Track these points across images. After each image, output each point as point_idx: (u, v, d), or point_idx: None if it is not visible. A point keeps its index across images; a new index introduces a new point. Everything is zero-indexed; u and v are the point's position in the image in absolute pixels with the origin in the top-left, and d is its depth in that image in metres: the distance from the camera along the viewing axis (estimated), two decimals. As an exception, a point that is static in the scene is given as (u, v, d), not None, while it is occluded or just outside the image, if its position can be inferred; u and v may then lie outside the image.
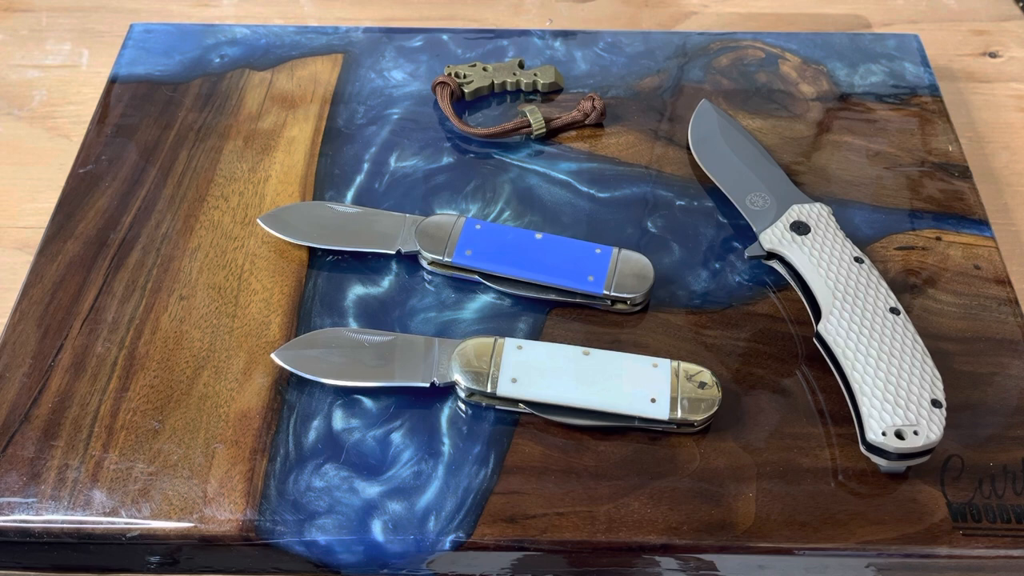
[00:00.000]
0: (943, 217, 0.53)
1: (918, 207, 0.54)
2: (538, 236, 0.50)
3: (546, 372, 0.44)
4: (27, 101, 0.66)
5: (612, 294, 0.48)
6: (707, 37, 0.64)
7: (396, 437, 0.44)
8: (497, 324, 0.48)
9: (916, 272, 0.51)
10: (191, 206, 0.53)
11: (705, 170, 0.55)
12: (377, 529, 0.41)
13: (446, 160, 0.56)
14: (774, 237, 0.49)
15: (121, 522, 0.42)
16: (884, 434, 0.41)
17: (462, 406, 0.45)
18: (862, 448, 0.43)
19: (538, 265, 0.49)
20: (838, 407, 0.45)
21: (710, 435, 0.44)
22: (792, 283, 0.49)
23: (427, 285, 0.50)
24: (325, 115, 0.58)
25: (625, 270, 0.48)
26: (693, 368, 0.44)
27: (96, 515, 0.42)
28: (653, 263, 0.49)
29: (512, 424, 0.45)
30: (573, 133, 0.58)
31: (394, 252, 0.50)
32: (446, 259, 0.49)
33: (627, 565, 0.43)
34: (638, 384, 0.44)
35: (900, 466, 0.42)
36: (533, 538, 0.41)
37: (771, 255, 0.49)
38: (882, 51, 0.63)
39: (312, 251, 0.51)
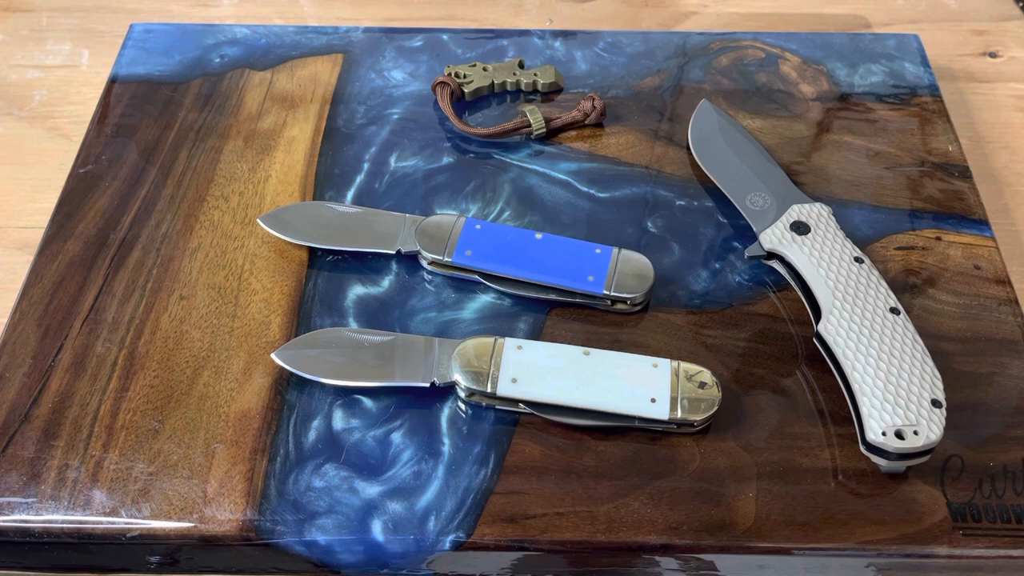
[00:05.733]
0: (943, 217, 0.53)
1: (918, 207, 0.54)
2: (538, 236, 0.50)
3: (546, 372, 0.44)
4: (27, 101, 0.66)
5: (612, 294, 0.48)
6: (707, 37, 0.64)
7: (396, 437, 0.44)
8: (497, 324, 0.48)
9: (916, 272, 0.51)
10: (191, 206, 0.53)
11: (705, 170, 0.55)
12: (377, 529, 0.41)
13: (446, 160, 0.56)
14: (774, 237, 0.49)
15: (121, 522, 0.42)
16: (884, 434, 0.41)
17: (462, 406, 0.45)
18: (862, 448, 0.43)
19: (538, 265, 0.49)
20: (838, 407, 0.45)
21: (710, 435, 0.44)
22: (792, 283, 0.49)
23: (427, 285, 0.50)
24: (325, 115, 0.58)
25: (625, 270, 0.48)
26: (693, 368, 0.44)
27: (96, 515, 0.42)
28: (653, 263, 0.49)
29: (512, 424, 0.45)
30: (573, 133, 0.58)
31: (394, 252, 0.50)
32: (446, 259, 0.49)
33: (627, 565, 0.43)
34: (638, 384, 0.44)
35: (900, 466, 0.42)
36: (533, 538, 0.41)
37: (771, 255, 0.49)
38: (882, 51, 0.63)
39: (312, 251, 0.51)
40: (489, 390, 0.44)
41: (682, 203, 0.54)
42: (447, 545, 0.41)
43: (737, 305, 0.49)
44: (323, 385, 0.45)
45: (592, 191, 0.55)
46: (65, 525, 0.42)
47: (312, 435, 0.44)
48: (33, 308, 0.49)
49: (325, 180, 0.55)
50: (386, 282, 0.50)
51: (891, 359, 0.43)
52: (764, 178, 0.52)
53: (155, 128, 0.58)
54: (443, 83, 0.58)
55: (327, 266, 0.51)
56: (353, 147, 0.57)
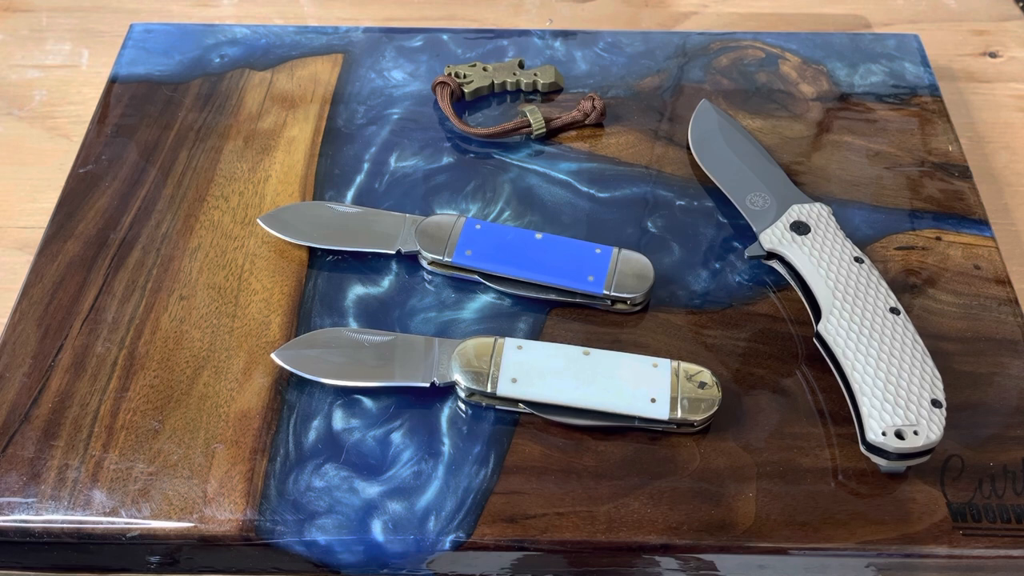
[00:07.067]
0: (943, 217, 0.53)
1: (918, 207, 0.54)
2: (538, 236, 0.50)
3: (546, 372, 0.44)
4: (27, 101, 0.66)
5: (612, 294, 0.48)
6: (707, 37, 0.64)
7: (396, 437, 0.44)
8: (497, 324, 0.48)
9: (916, 272, 0.51)
10: (191, 206, 0.53)
11: (705, 170, 0.55)
12: (377, 529, 0.41)
13: (446, 160, 0.56)
14: (774, 237, 0.49)
15: (121, 522, 0.42)
16: (884, 434, 0.41)
17: (462, 406, 0.45)
18: (862, 448, 0.43)
19: (538, 265, 0.49)
20: (838, 407, 0.45)
21: (710, 435, 0.44)
22: (792, 283, 0.49)
23: (427, 285, 0.50)
24: (325, 115, 0.58)
25: (625, 270, 0.48)
26: (693, 368, 0.44)
27: (96, 515, 0.42)
28: (653, 263, 0.49)
29: (512, 424, 0.45)
30: (573, 133, 0.58)
31: (394, 252, 0.50)
32: (446, 259, 0.49)
33: (627, 565, 0.43)
34: (638, 384, 0.44)
35: (900, 466, 0.42)
36: (533, 538, 0.41)
37: (771, 255, 0.49)
38: (882, 51, 0.63)
39: (312, 251, 0.51)
40: (489, 390, 0.44)
41: (682, 203, 0.54)
42: (447, 545, 0.41)
43: (737, 305, 0.49)
44: (323, 385, 0.45)
45: (592, 191, 0.55)
46: (65, 525, 0.42)
47: (312, 435, 0.44)
48: (33, 308, 0.49)
49: (325, 180, 0.55)
50: (386, 282, 0.50)
51: (891, 359, 0.43)
52: (764, 178, 0.52)
53: (155, 128, 0.58)
54: (443, 83, 0.58)
55: (327, 266, 0.51)
56: (353, 147, 0.57)
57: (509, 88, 0.60)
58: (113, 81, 0.61)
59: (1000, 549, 0.41)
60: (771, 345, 0.48)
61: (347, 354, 0.45)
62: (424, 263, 0.50)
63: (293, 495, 0.42)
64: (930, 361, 0.43)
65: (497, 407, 0.45)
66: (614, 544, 0.41)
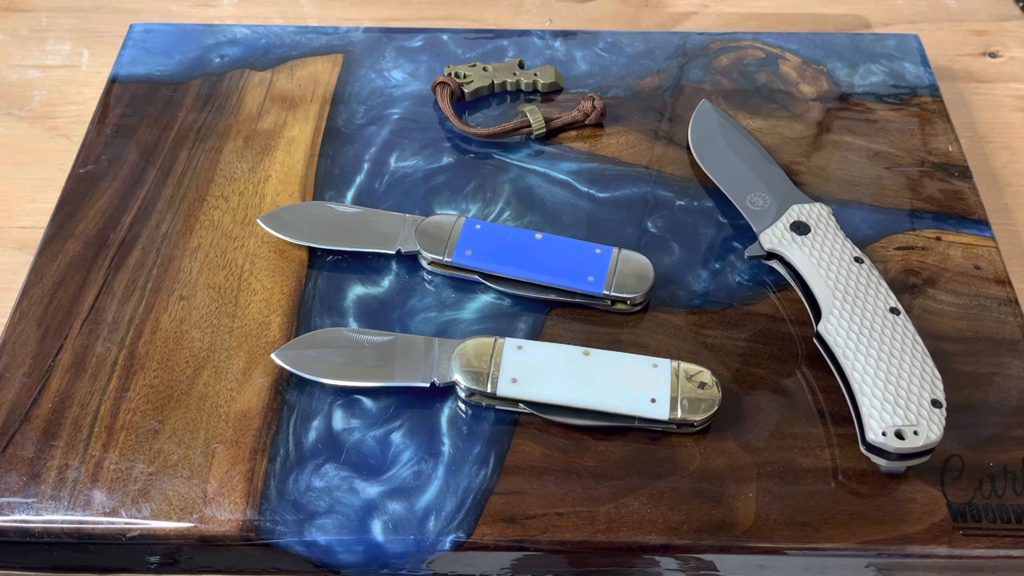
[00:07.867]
0: (943, 217, 0.53)
1: (918, 207, 0.54)
2: (538, 236, 0.50)
3: (546, 372, 0.44)
4: (27, 101, 0.66)
5: (612, 294, 0.48)
6: (707, 37, 0.64)
7: (396, 437, 0.44)
8: (497, 324, 0.48)
9: (916, 272, 0.51)
10: (191, 206, 0.53)
11: (705, 170, 0.55)
12: (377, 529, 0.41)
13: (446, 160, 0.56)
14: (774, 237, 0.49)
15: (121, 522, 0.42)
16: (884, 434, 0.41)
17: (462, 406, 0.45)
18: (862, 448, 0.43)
19: (538, 265, 0.49)
20: (838, 407, 0.45)
21: (710, 435, 0.44)
22: (792, 283, 0.49)
23: (427, 285, 0.50)
24: (325, 115, 0.58)
25: (625, 270, 0.48)
26: (693, 368, 0.44)
27: (96, 515, 0.42)
28: (653, 263, 0.49)
29: (512, 424, 0.45)
30: (573, 133, 0.58)
31: (394, 252, 0.50)
32: (446, 259, 0.49)
33: (627, 565, 0.43)
34: (638, 384, 0.44)
35: (900, 466, 0.42)
36: (533, 538, 0.41)
37: (771, 255, 0.49)
38: (882, 51, 0.63)
39: (312, 251, 0.51)
40: (489, 390, 0.44)
41: (682, 203, 0.54)
42: (447, 545, 0.41)
43: (737, 305, 0.49)
44: (323, 385, 0.45)
45: (592, 191, 0.55)
46: (65, 525, 0.42)
47: (312, 435, 0.44)
48: (33, 308, 0.49)
49: (325, 180, 0.55)
50: (386, 282, 0.50)
51: (891, 359, 0.43)
52: (764, 178, 0.52)
53: (155, 128, 0.58)
54: (443, 83, 0.58)
55: (327, 266, 0.51)
56: (353, 147, 0.57)
57: (509, 88, 0.60)
58: (113, 81, 0.61)
59: (1000, 549, 0.41)
60: (771, 345, 0.48)
61: (347, 354, 0.45)
62: (424, 263, 0.50)
63: (293, 495, 0.42)
64: (930, 361, 0.43)
65: (497, 407, 0.45)
66: (614, 544, 0.41)
